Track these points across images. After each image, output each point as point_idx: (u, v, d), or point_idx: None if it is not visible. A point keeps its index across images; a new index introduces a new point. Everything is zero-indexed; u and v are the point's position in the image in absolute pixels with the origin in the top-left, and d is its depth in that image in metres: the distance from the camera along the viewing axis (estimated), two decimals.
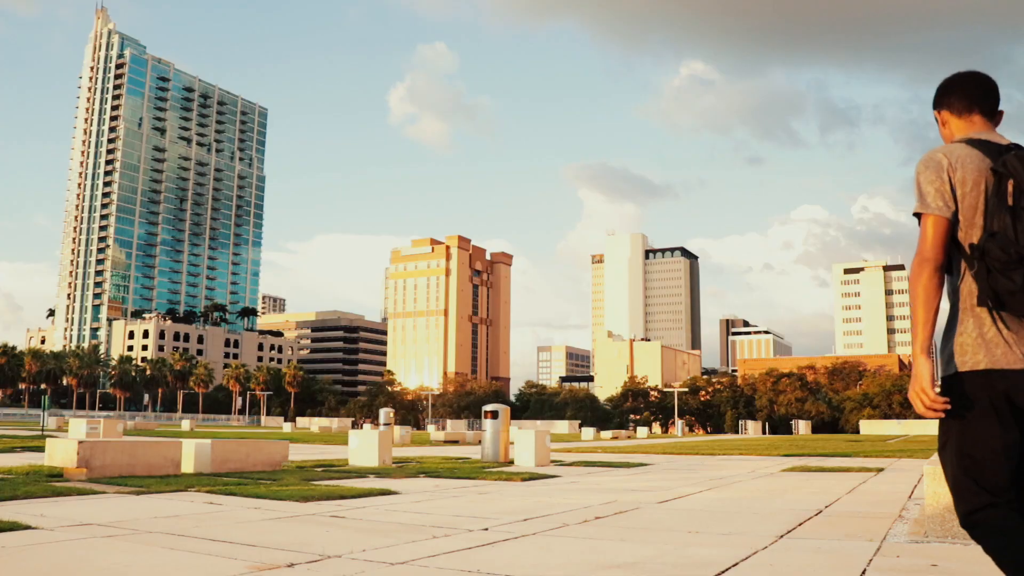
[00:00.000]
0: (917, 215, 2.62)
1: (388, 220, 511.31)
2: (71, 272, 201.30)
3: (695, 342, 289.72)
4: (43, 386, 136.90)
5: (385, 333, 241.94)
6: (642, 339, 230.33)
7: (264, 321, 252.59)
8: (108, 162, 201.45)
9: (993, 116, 2.75)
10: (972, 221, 2.56)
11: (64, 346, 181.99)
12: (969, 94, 2.77)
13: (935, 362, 2.51)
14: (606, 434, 51.26)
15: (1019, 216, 2.44)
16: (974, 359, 2.51)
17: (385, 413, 29.77)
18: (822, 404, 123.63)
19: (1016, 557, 2.35)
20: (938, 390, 2.50)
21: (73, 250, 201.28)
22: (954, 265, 2.63)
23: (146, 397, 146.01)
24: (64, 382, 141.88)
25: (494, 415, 17.53)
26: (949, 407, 2.48)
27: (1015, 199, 2.45)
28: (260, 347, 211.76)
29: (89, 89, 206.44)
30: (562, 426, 73.11)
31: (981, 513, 2.44)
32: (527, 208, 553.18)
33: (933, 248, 2.58)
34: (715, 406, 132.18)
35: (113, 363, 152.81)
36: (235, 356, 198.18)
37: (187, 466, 12.18)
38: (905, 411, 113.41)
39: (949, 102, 2.81)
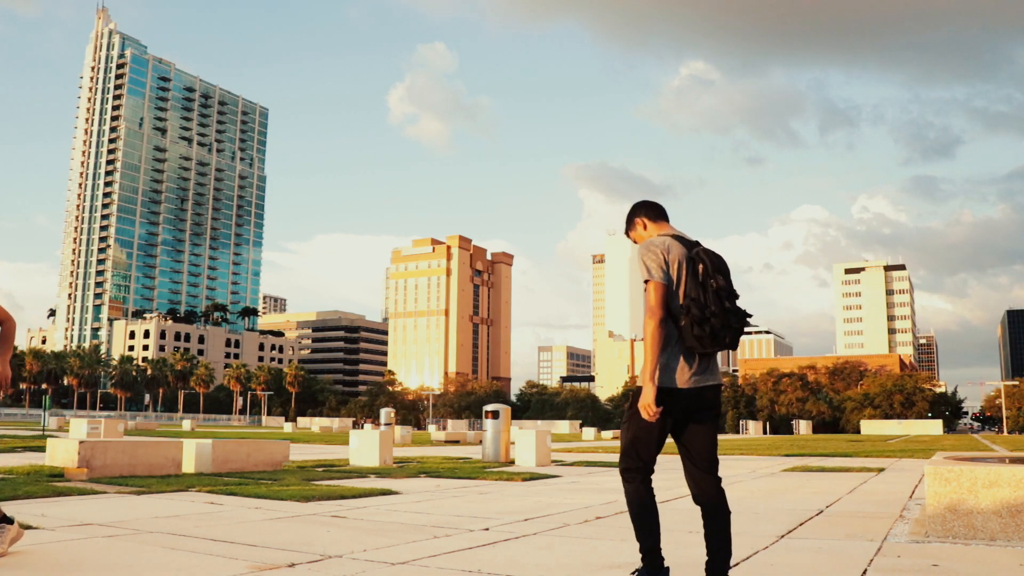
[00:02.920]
0: (646, 282, 3.73)
1: (388, 220, 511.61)
2: (72, 272, 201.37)
3: None
4: (44, 386, 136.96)
5: (386, 333, 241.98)
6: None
7: (265, 321, 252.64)
8: (109, 162, 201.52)
9: (668, 221, 4.06)
10: (680, 289, 3.72)
11: (65, 346, 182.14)
12: (659, 210, 4.07)
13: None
14: (607, 434, 51.25)
15: (707, 288, 3.67)
16: (679, 380, 3.71)
17: (386, 413, 29.74)
18: (823, 404, 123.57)
19: (639, 508, 3.83)
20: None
21: (74, 250, 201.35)
22: (673, 318, 3.73)
23: (147, 397, 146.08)
24: (65, 382, 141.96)
25: (495, 415, 17.52)
26: (660, 415, 3.67)
27: (703, 277, 3.69)
28: (261, 347, 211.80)
29: (90, 89, 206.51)
30: (563, 426, 73.06)
31: (632, 472, 3.82)
32: (527, 208, 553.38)
33: (658, 306, 3.69)
34: None
35: (114, 363, 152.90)
36: (236, 356, 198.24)
37: (188, 466, 12.18)
38: (906, 411, 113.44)
39: (646, 213, 4.06)
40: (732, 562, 5.07)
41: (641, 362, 3.84)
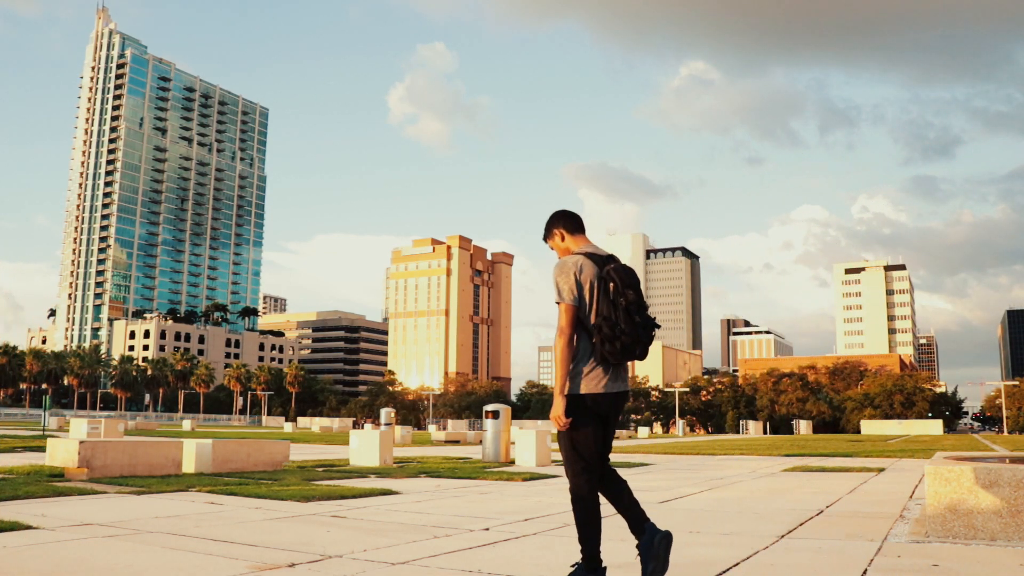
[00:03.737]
0: (558, 303, 4.08)
1: (388, 220, 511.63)
2: (72, 272, 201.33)
3: (696, 342, 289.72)
4: (44, 386, 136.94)
5: (386, 333, 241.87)
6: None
7: (265, 321, 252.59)
8: (109, 162, 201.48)
9: (585, 232, 4.35)
10: (592, 308, 4.02)
11: (65, 346, 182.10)
12: (577, 222, 4.34)
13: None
14: None
15: (617, 305, 3.98)
16: (588, 387, 4.05)
17: (386, 413, 29.73)
18: (823, 404, 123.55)
19: (587, 513, 4.06)
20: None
21: (74, 250, 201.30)
22: (587, 333, 4.06)
23: (147, 397, 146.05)
24: (65, 382, 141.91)
25: (495, 415, 17.51)
26: (571, 424, 4.04)
27: (614, 295, 4.00)
28: (261, 347, 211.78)
29: (90, 89, 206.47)
30: None
31: (584, 474, 4.08)
32: (527, 208, 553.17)
33: (568, 326, 4.04)
34: (716, 406, 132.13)
35: (114, 363, 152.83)
36: (236, 356, 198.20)
37: (188, 466, 12.18)
38: (906, 411, 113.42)
39: (564, 225, 4.32)
40: (732, 562, 5.08)
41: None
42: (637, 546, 4.10)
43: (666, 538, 4.07)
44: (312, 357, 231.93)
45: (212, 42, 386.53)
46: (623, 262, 4.17)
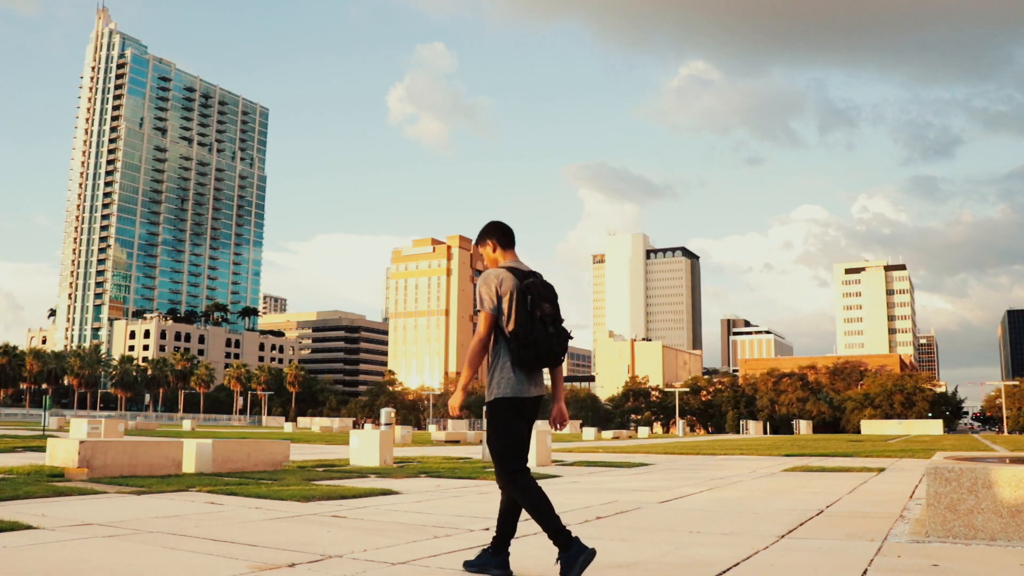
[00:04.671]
0: (478, 312, 4.46)
1: (388, 220, 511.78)
2: (72, 272, 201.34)
3: (696, 342, 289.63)
4: (44, 386, 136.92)
5: (386, 333, 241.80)
6: (643, 339, 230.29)
7: (265, 321, 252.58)
8: (109, 162, 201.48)
9: (515, 248, 4.70)
10: (511, 317, 4.36)
11: (65, 346, 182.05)
12: (509, 238, 4.68)
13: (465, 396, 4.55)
14: (607, 434, 51.25)
15: (533, 317, 4.35)
16: (514, 391, 4.41)
17: (386, 413, 29.64)
18: (823, 404, 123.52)
19: (537, 499, 4.31)
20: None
21: (74, 250, 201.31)
22: (507, 341, 4.42)
23: (147, 397, 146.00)
24: (65, 382, 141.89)
25: None
26: (501, 425, 4.41)
27: (532, 306, 4.36)
28: (261, 347, 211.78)
29: (90, 89, 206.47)
30: None
31: (520, 471, 4.37)
32: (527, 208, 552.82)
33: (485, 332, 4.43)
34: (716, 406, 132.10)
35: (114, 363, 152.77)
36: (236, 356, 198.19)
37: (188, 466, 12.18)
38: (906, 411, 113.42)
39: (498, 238, 4.66)
40: (732, 562, 5.08)
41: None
42: (484, 551, 4.56)
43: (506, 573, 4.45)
44: (312, 357, 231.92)
45: (212, 42, 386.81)
46: (544, 279, 4.54)
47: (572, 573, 4.19)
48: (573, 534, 4.29)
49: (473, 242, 4.83)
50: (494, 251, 4.68)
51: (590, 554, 4.22)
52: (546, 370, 4.60)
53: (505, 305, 4.40)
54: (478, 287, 4.51)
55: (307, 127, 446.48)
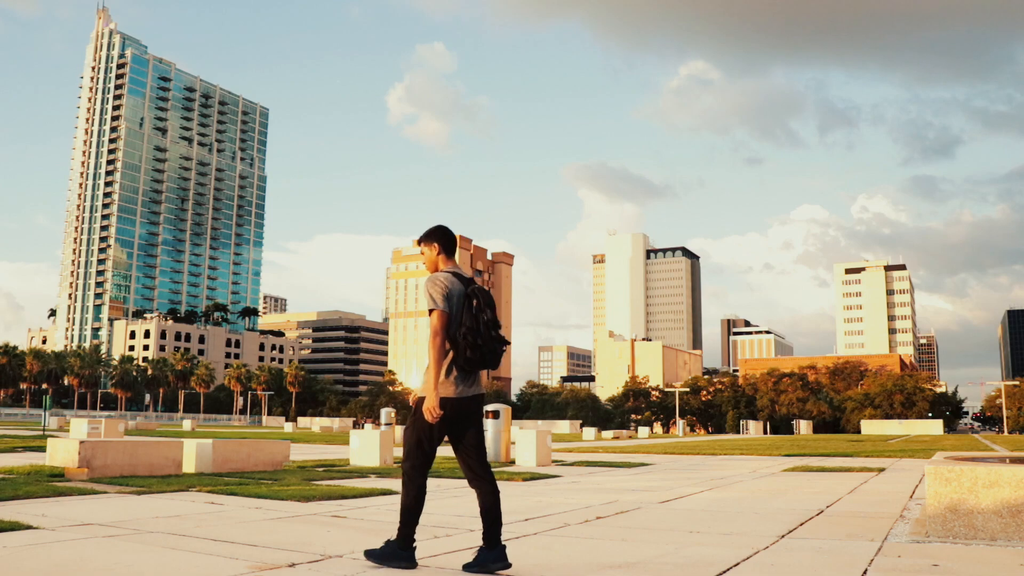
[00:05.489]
0: (431, 311, 4.57)
1: (388, 220, 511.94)
2: (72, 272, 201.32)
3: (696, 342, 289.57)
4: (44, 386, 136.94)
5: (386, 333, 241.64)
6: (643, 339, 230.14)
7: (265, 321, 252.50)
8: (109, 162, 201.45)
9: (455, 256, 4.88)
10: (458, 319, 4.56)
11: (65, 346, 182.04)
12: (453, 245, 4.86)
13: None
14: (607, 434, 51.23)
15: (479, 320, 4.53)
16: (455, 391, 4.56)
17: (386, 413, 29.68)
18: (823, 404, 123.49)
19: (415, 500, 4.58)
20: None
21: (74, 250, 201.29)
22: (452, 340, 4.57)
23: (147, 397, 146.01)
24: (65, 382, 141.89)
25: (495, 415, 17.50)
26: (421, 422, 4.56)
27: (477, 311, 4.54)
28: (261, 347, 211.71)
29: (90, 89, 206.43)
30: (563, 426, 73.07)
31: (420, 468, 4.58)
32: (527, 208, 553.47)
33: (441, 329, 4.54)
34: (716, 406, 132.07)
35: (114, 363, 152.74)
36: (236, 356, 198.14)
37: (188, 466, 12.18)
38: (906, 411, 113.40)
39: (443, 245, 4.82)
40: (732, 562, 5.08)
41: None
42: (480, 549, 4.62)
43: (504, 567, 4.57)
44: (312, 357, 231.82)
45: (212, 42, 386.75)
46: (482, 286, 4.73)
47: (384, 560, 4.62)
48: (415, 544, 4.63)
49: (417, 239, 4.94)
50: (438, 254, 4.82)
51: (412, 564, 4.61)
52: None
53: (453, 308, 4.58)
54: (426, 288, 4.65)
55: (307, 127, 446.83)
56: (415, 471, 4.58)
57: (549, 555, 5.32)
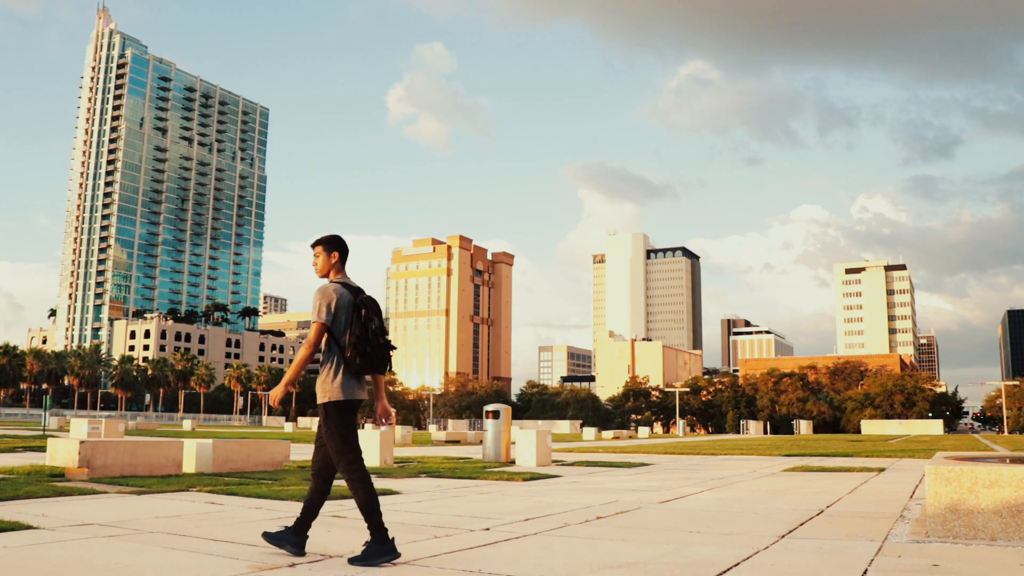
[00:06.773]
0: (315, 321, 4.90)
1: (388, 220, 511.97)
2: (72, 272, 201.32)
3: (696, 342, 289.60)
4: (44, 386, 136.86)
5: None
6: (643, 339, 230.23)
7: (265, 321, 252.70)
8: (109, 162, 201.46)
9: (345, 267, 5.18)
10: (348, 328, 4.89)
11: (65, 346, 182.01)
12: (346, 255, 5.16)
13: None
14: (607, 434, 51.23)
15: (367, 327, 4.88)
16: (350, 394, 4.92)
17: None
18: (823, 404, 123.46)
19: (366, 488, 4.81)
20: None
21: (74, 250, 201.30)
22: (340, 349, 4.91)
23: (147, 397, 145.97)
24: (66, 382, 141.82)
25: (495, 415, 17.50)
26: (341, 423, 4.92)
27: (365, 319, 4.89)
28: (261, 347, 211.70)
29: (90, 89, 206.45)
30: (563, 426, 73.11)
31: (359, 461, 4.86)
32: (527, 208, 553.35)
33: (315, 340, 4.93)
34: (716, 406, 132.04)
35: (114, 363, 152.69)
36: (236, 356, 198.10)
37: (188, 466, 12.18)
38: (906, 411, 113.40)
39: (341, 255, 5.14)
40: (733, 562, 5.08)
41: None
42: (285, 530, 5.02)
43: (299, 554, 4.94)
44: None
45: (212, 42, 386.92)
46: (371, 295, 5.03)
47: (367, 560, 4.70)
48: (391, 535, 4.80)
49: (316, 241, 5.14)
50: (333, 262, 5.13)
51: (394, 556, 4.76)
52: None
53: (342, 317, 4.91)
54: (315, 298, 4.94)
55: (307, 127, 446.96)
56: (353, 465, 4.82)
57: (549, 555, 5.32)
